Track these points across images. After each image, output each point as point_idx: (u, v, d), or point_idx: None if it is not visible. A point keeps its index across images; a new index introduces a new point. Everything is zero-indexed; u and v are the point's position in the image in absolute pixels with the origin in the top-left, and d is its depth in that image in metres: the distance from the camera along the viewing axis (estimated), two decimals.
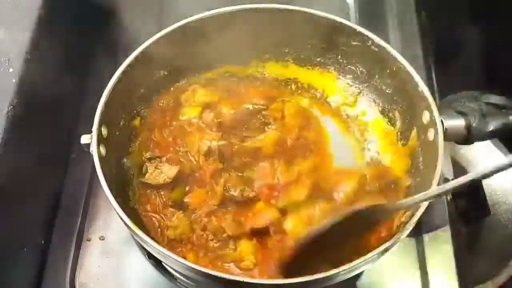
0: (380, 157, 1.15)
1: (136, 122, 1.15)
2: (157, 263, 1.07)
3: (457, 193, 1.19)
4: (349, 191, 1.07)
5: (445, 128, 1.01)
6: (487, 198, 1.24)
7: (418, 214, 0.91)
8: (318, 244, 0.93)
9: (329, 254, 0.94)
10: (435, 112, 1.01)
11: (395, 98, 1.14)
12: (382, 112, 1.19)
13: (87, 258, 1.08)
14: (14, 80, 0.99)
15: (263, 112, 1.18)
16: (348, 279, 0.93)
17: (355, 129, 1.20)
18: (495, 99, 1.14)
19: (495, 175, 0.80)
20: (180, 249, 1.02)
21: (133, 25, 1.41)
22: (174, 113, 1.18)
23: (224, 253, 1.02)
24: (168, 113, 1.18)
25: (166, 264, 1.04)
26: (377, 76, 1.17)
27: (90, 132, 0.98)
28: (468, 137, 1.04)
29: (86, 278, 1.06)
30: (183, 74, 1.20)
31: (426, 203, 0.91)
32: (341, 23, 1.13)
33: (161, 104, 1.18)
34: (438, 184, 0.94)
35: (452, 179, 1.20)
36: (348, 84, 1.22)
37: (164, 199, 1.07)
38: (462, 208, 1.19)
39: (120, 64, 1.06)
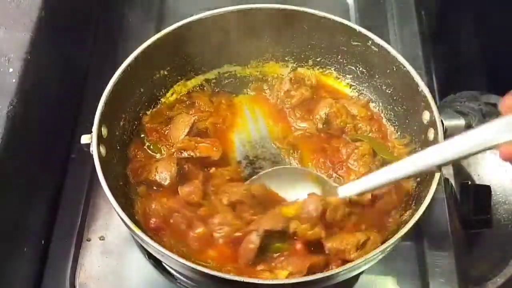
0: None
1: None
2: (157, 263, 1.07)
3: (462, 198, 1.19)
4: None
5: (445, 128, 1.01)
6: None
7: (418, 214, 0.91)
8: None
9: None
10: (435, 112, 1.01)
11: (395, 98, 1.14)
12: (382, 112, 1.19)
13: (87, 258, 1.08)
14: (14, 80, 0.99)
15: None
16: (348, 279, 0.93)
17: None
18: (495, 99, 1.14)
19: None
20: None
21: (133, 25, 1.41)
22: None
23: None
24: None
25: (166, 264, 1.04)
26: (377, 76, 1.17)
27: (90, 132, 0.98)
28: None
29: (86, 278, 1.06)
30: (183, 74, 1.21)
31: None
32: (341, 23, 1.13)
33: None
34: (438, 184, 0.94)
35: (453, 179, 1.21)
36: (348, 84, 1.22)
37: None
38: (464, 215, 1.19)
39: (120, 64, 1.06)
